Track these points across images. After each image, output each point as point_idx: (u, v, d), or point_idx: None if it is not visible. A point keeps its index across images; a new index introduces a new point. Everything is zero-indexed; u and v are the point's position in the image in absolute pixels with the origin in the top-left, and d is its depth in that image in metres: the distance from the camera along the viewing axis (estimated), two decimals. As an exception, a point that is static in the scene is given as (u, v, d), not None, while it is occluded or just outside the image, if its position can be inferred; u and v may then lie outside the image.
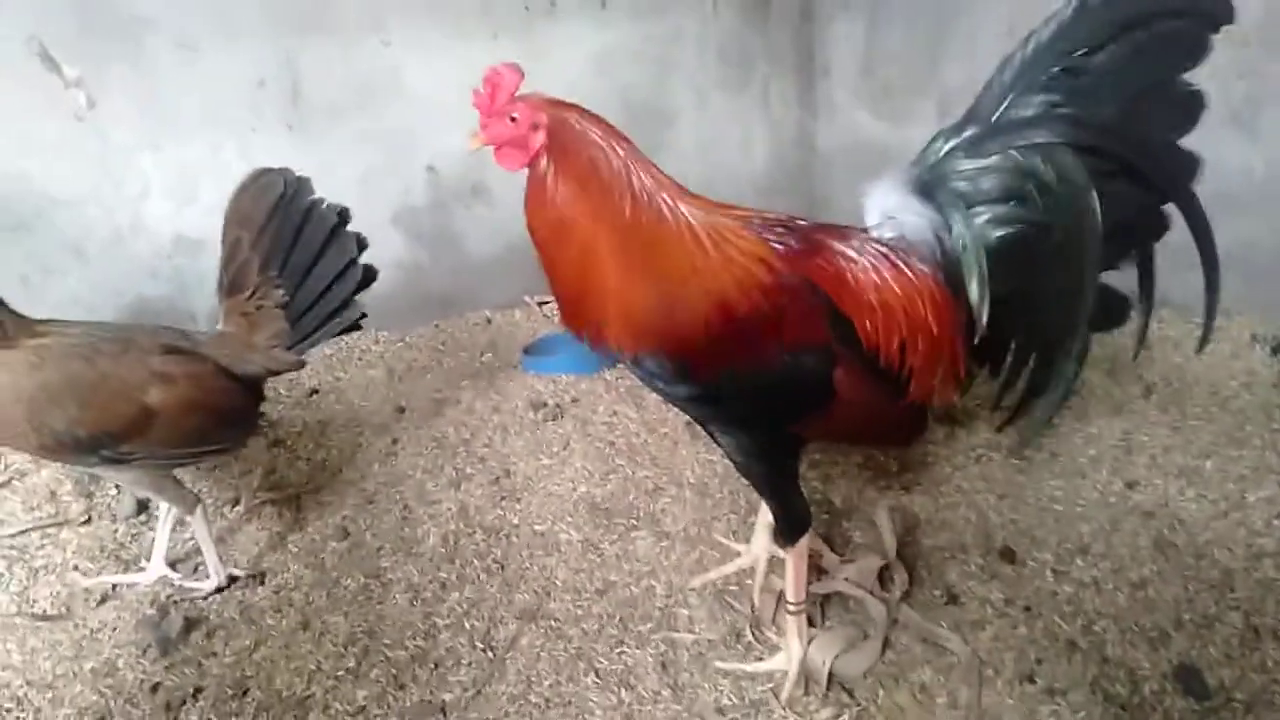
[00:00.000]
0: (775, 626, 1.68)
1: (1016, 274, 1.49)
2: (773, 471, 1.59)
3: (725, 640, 1.66)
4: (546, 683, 1.60)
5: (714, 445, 2.21)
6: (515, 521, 2.07)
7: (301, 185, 1.97)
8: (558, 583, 1.86)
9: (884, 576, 1.72)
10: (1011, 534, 1.85)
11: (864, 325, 1.46)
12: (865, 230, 1.56)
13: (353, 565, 1.97)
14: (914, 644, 1.59)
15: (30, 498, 2.27)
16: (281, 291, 1.95)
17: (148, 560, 2.00)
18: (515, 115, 1.40)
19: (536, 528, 2.04)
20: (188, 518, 1.93)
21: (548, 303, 3.27)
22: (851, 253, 1.50)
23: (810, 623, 1.63)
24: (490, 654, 1.68)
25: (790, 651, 1.60)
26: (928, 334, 1.49)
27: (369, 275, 2.00)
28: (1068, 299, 1.46)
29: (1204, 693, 1.44)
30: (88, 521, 2.18)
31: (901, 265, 1.50)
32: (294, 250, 1.95)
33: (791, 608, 1.61)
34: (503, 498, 2.15)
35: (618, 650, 1.66)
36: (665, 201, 1.42)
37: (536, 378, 2.68)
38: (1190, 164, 1.42)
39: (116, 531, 2.15)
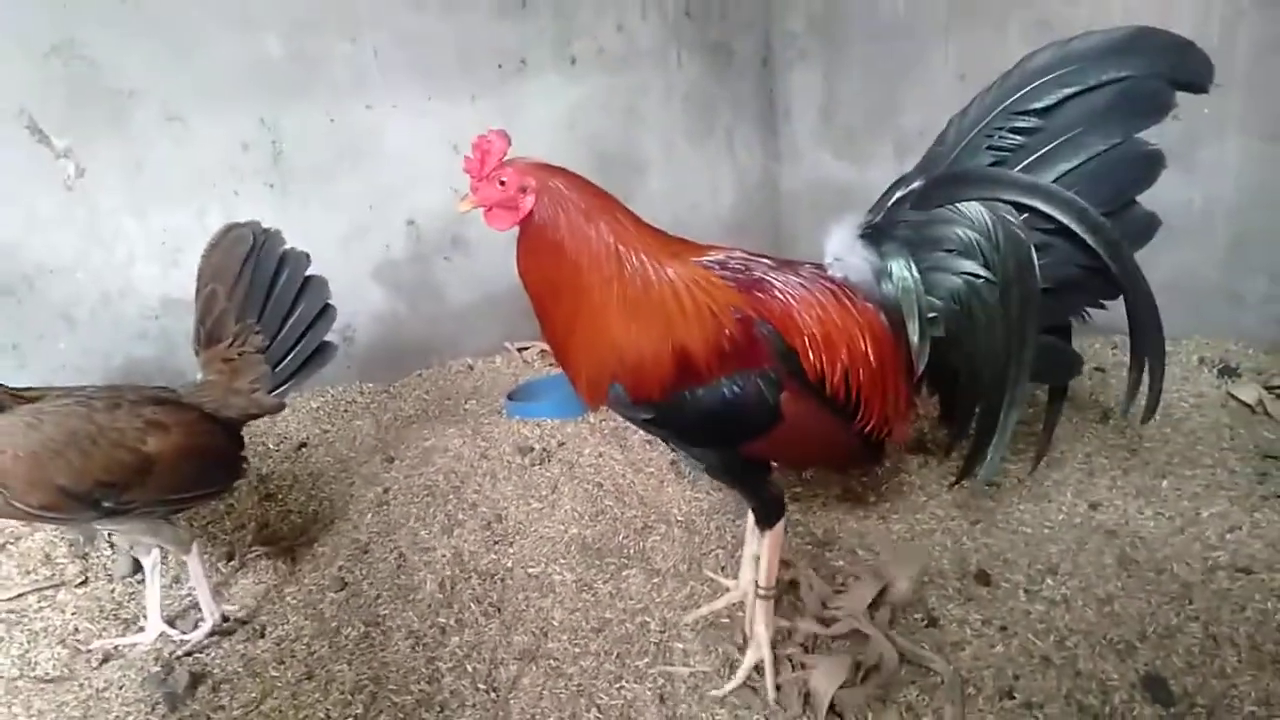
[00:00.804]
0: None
1: (956, 321, 1.61)
2: (741, 475, 1.73)
3: (719, 671, 1.73)
4: (551, 719, 1.66)
5: (699, 483, 2.33)
6: (509, 565, 2.13)
7: (270, 236, 2.09)
8: (555, 622, 1.92)
9: (875, 604, 1.80)
10: (985, 557, 1.95)
11: (806, 355, 1.58)
12: (819, 267, 1.68)
13: (352, 614, 2.01)
14: (892, 663, 1.67)
15: (25, 561, 2.29)
16: (261, 337, 2.06)
17: (145, 619, 2.04)
18: (504, 179, 1.53)
19: (530, 570, 2.10)
20: (184, 557, 1.99)
21: (527, 348, 3.35)
22: (799, 289, 1.62)
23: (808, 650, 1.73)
24: (494, 695, 1.74)
25: (759, 640, 1.72)
26: (868, 366, 1.61)
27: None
28: (1008, 350, 1.57)
29: (1169, 700, 1.53)
30: (84, 583, 2.21)
31: (846, 302, 1.62)
32: (270, 298, 2.08)
33: (762, 593, 1.73)
34: (496, 542, 2.21)
35: (617, 685, 1.72)
36: (645, 260, 1.55)
37: (522, 423, 2.75)
38: (1145, 227, 1.51)
39: (114, 591, 2.18)
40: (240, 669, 1.88)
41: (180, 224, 2.66)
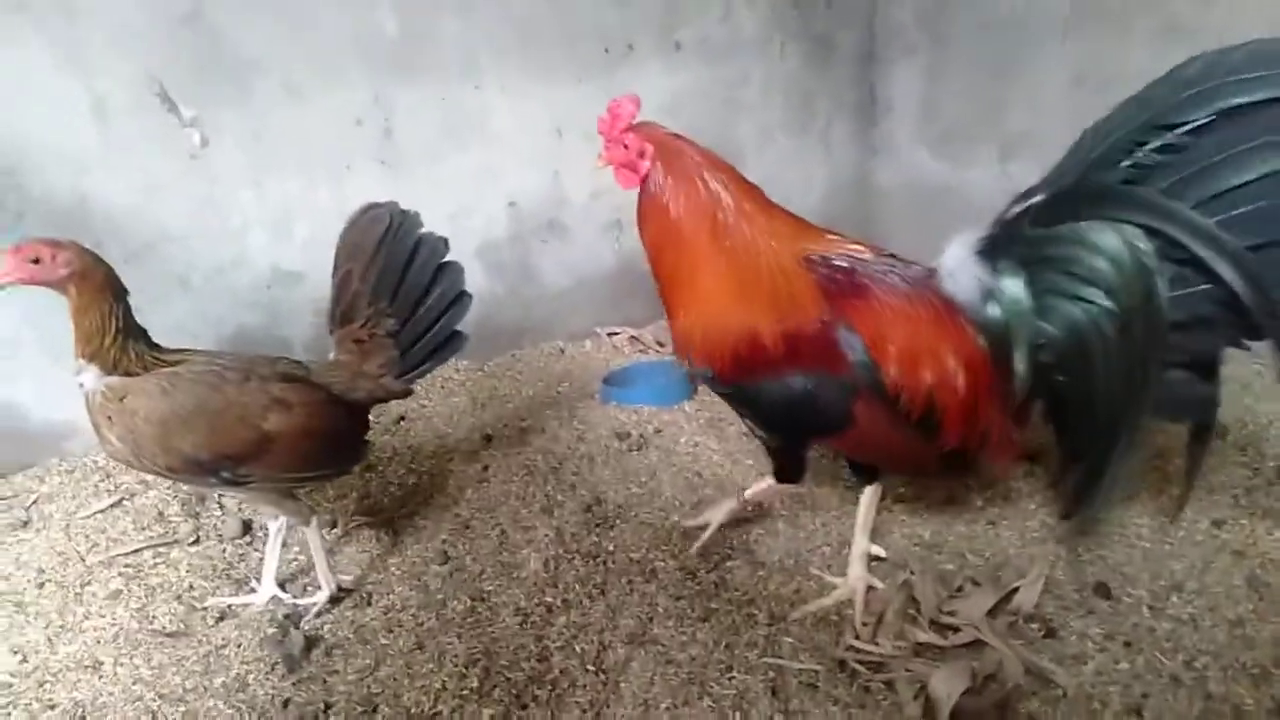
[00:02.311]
0: (877, 645, 1.74)
1: (1070, 351, 1.51)
2: (784, 452, 1.87)
3: (831, 670, 1.72)
4: (663, 705, 1.66)
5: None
6: (610, 548, 2.14)
7: (407, 218, 2.06)
8: (659, 609, 1.92)
9: (994, 611, 1.77)
10: (1102, 570, 1.90)
11: (888, 369, 1.59)
12: (931, 273, 1.65)
13: (457, 588, 2.04)
14: (1017, 674, 1.64)
15: (140, 518, 2.37)
16: (393, 321, 2.05)
17: (257, 580, 2.09)
18: (627, 143, 1.66)
19: (632, 555, 2.11)
20: (303, 528, 2.02)
21: (616, 333, 3.36)
22: (899, 300, 1.61)
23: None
24: (603, 676, 1.74)
25: (717, 513, 2.05)
26: (953, 390, 1.59)
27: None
28: (1126, 388, 1.44)
29: (1309, 730, 1.49)
30: (196, 541, 2.27)
31: (945, 321, 1.58)
32: (403, 281, 2.05)
33: (741, 496, 2.01)
34: (596, 524, 2.22)
35: (728, 675, 1.71)
36: (745, 230, 1.63)
37: (617, 408, 2.76)
38: None
39: (224, 551, 2.24)
40: (351, 635, 1.92)
41: (292, 194, 2.71)
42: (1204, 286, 1.38)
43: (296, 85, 2.63)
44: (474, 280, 3.11)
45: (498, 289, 3.17)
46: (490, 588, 2.04)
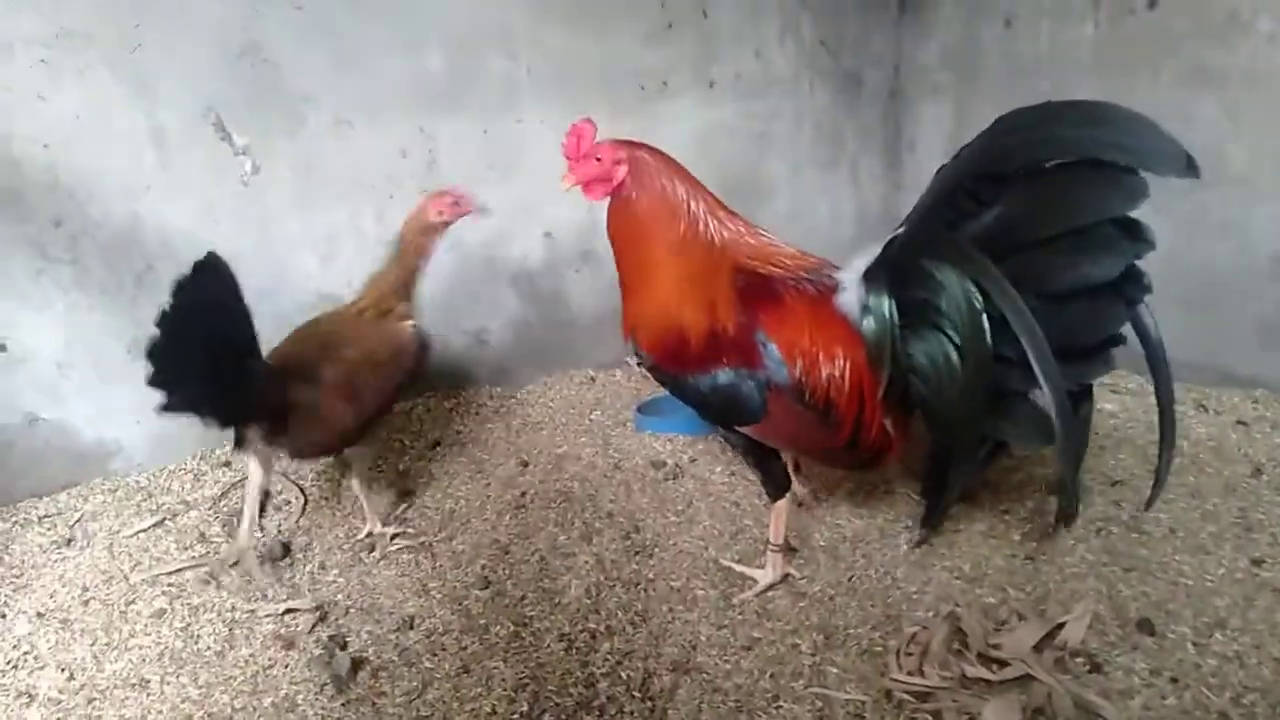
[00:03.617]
0: (923, 676, 1.75)
1: (926, 371, 1.74)
2: (750, 450, 2.00)
3: (877, 701, 1.73)
4: (712, 733, 1.67)
5: (839, 508, 2.34)
6: (651, 576, 2.15)
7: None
8: (702, 637, 1.93)
9: (1040, 646, 1.78)
10: (1144, 606, 1.90)
11: (794, 365, 1.82)
12: (836, 289, 1.85)
13: (499, 613, 2.06)
14: (1067, 709, 1.65)
15: (183, 538, 2.40)
16: None
17: (292, 598, 2.14)
18: (600, 156, 1.86)
19: (673, 583, 2.13)
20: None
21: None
22: (806, 307, 1.84)
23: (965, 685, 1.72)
24: (650, 704, 1.75)
25: (767, 572, 2.05)
26: (842, 390, 1.82)
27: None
28: (963, 410, 1.70)
29: (1360, 768, 1.50)
30: (238, 563, 2.30)
31: (838, 326, 1.82)
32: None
33: (772, 548, 2.05)
34: (636, 552, 2.24)
35: (775, 705, 1.72)
36: (699, 236, 1.84)
37: (652, 437, 2.79)
38: (1111, 316, 1.53)
39: (265, 571, 2.26)
40: (395, 658, 1.93)
41: (338, 222, 2.77)
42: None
43: (347, 117, 2.70)
44: (508, 307, 3.22)
45: (530, 316, 3.22)
46: (532, 613, 2.05)
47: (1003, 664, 1.74)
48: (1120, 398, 2.82)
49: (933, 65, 3.74)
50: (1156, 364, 1.62)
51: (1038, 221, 1.52)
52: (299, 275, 2.78)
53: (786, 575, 2.09)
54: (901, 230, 1.76)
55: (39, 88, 2.31)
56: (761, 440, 1.97)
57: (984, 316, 1.58)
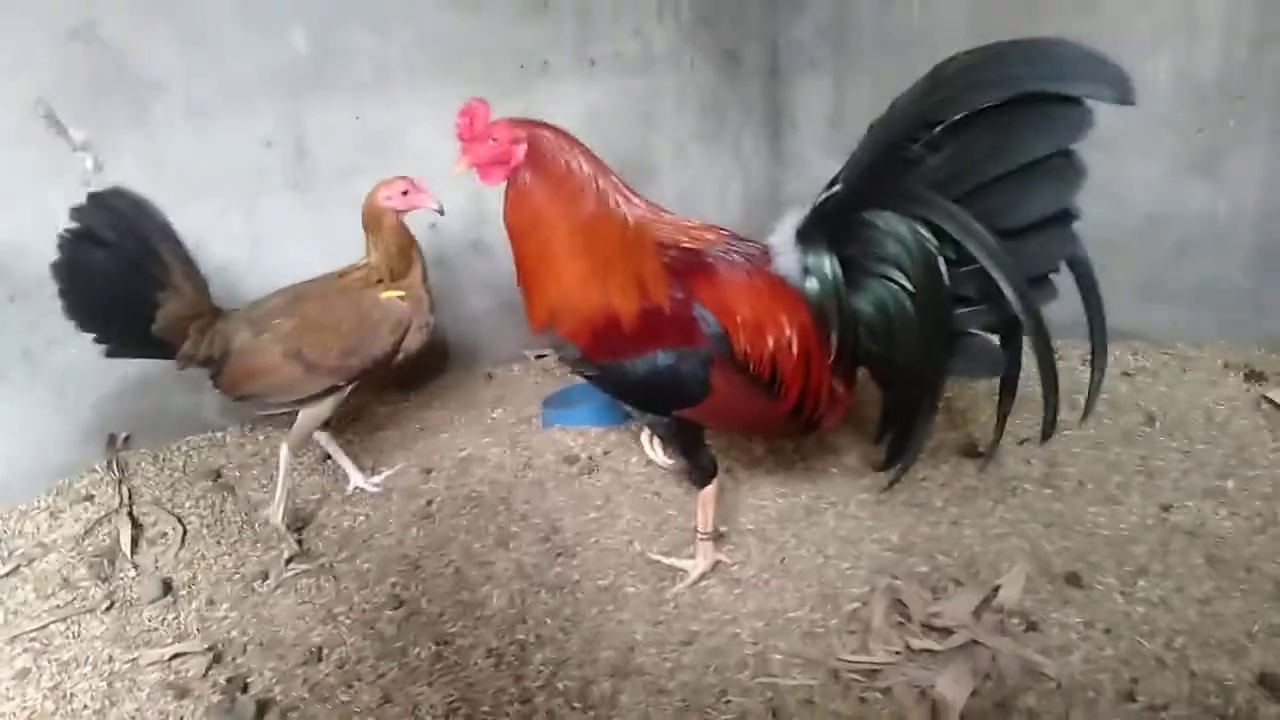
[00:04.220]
0: (868, 654, 1.72)
1: (875, 321, 1.74)
2: (679, 437, 1.93)
3: (825, 684, 1.68)
4: (664, 738, 1.59)
5: (761, 490, 2.29)
6: (576, 578, 2.04)
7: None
8: (638, 637, 1.84)
9: (978, 612, 1.77)
10: (1068, 560, 1.94)
11: (737, 338, 1.76)
12: (766, 253, 1.82)
13: (416, 633, 1.91)
14: (1014, 671, 1.64)
15: (42, 585, 2.12)
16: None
17: (178, 641, 1.93)
18: (495, 137, 1.74)
19: (600, 582, 2.03)
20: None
21: (544, 355, 3.27)
22: (740, 274, 1.79)
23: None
24: (593, 713, 1.65)
25: (697, 563, 1.99)
26: (789, 354, 1.78)
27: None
28: (923, 354, 1.69)
29: (1289, 697, 1.55)
30: (110, 608, 2.05)
31: (779, 293, 1.78)
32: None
33: (701, 536, 1.99)
34: (557, 554, 2.12)
35: (724, 700, 1.65)
36: (608, 215, 1.76)
37: (561, 431, 2.67)
38: (1064, 239, 1.52)
39: (143, 615, 2.03)
40: (306, 694, 1.76)
41: (202, 224, 2.50)
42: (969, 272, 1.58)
43: (201, 105, 2.45)
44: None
45: (420, 314, 3.03)
46: (454, 630, 1.91)
47: (946, 632, 1.73)
48: (1014, 358, 2.88)
49: (809, 41, 3.74)
50: (1089, 285, 1.59)
51: (988, 161, 1.50)
52: (160, 283, 2.50)
53: (717, 563, 2.02)
54: (837, 188, 1.70)
55: None
56: (700, 421, 1.90)
57: (939, 259, 1.58)
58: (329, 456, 2.61)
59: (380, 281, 2.25)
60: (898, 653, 1.71)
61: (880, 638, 1.74)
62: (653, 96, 3.47)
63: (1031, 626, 1.76)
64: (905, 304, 1.67)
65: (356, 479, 2.47)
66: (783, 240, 1.80)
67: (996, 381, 1.77)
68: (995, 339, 1.69)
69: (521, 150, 1.74)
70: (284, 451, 2.29)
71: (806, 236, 1.77)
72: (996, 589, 1.82)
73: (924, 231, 1.58)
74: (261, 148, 2.58)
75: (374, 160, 2.76)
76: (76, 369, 2.43)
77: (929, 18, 3.28)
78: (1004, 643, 1.67)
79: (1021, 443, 2.40)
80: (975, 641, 1.69)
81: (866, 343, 1.79)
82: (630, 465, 2.48)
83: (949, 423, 2.53)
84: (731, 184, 3.84)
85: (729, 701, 1.65)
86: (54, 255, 2.02)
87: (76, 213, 2.03)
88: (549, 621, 1.91)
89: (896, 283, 1.67)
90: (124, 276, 2.07)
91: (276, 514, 2.28)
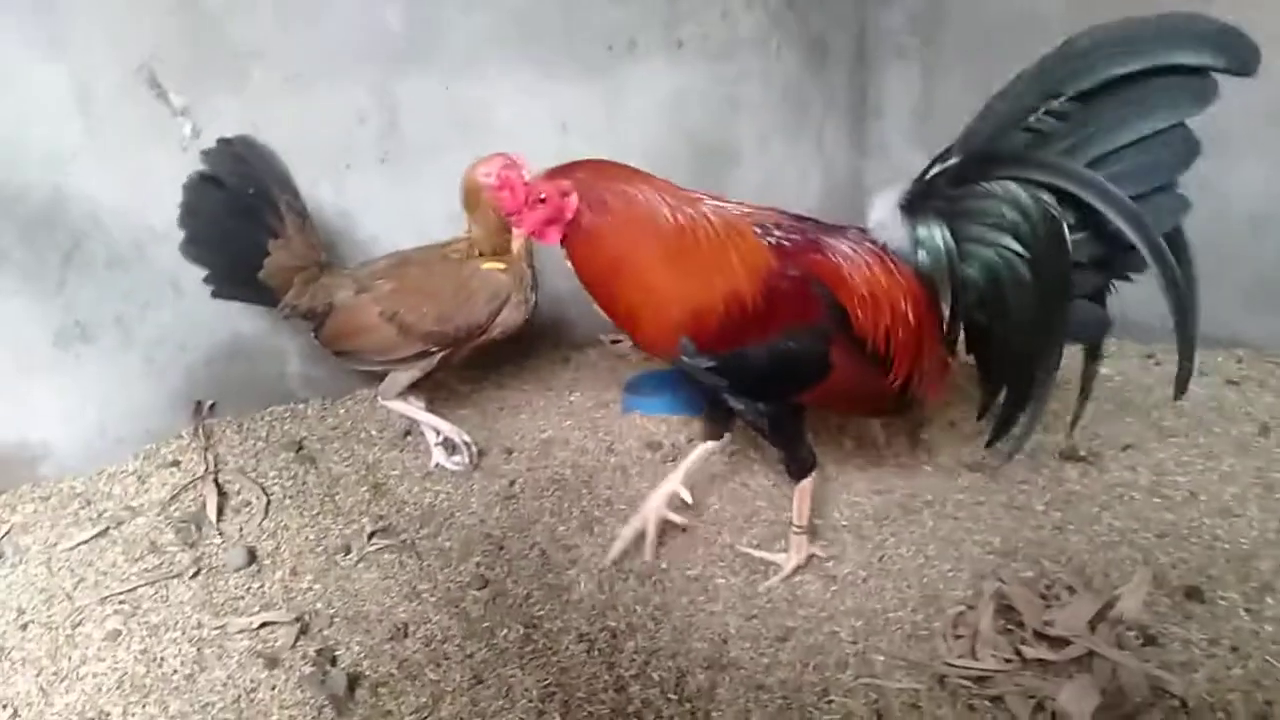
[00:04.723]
0: (976, 660, 1.65)
1: (990, 292, 1.73)
2: (783, 428, 1.87)
3: (931, 689, 1.62)
4: (767, 736, 1.54)
5: (854, 486, 2.22)
6: (664, 566, 2.00)
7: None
8: (731, 630, 1.79)
9: (1094, 623, 1.69)
10: (1186, 573, 1.84)
11: (855, 313, 1.72)
12: (863, 231, 1.82)
13: (503, 615, 1.88)
14: (1141, 687, 1.56)
15: (131, 549, 2.13)
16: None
17: (265, 610, 1.93)
18: (543, 196, 1.64)
19: (689, 572, 1.98)
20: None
21: (620, 340, 3.22)
22: (848, 251, 1.76)
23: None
24: (690, 706, 1.60)
25: (791, 557, 1.93)
26: (907, 326, 1.75)
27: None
28: (1040, 321, 1.67)
29: None
30: (197, 574, 2.05)
31: (889, 265, 1.76)
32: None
33: (796, 530, 1.93)
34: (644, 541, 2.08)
35: (825, 699, 1.60)
36: (691, 214, 1.68)
37: (642, 418, 2.62)
38: (1175, 208, 1.55)
39: (229, 582, 2.03)
40: (395, 671, 1.74)
41: (292, 194, 2.51)
42: (1099, 231, 1.59)
43: (297, 75, 2.43)
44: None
45: (500, 295, 3.00)
46: (541, 613, 1.88)
47: (1061, 642, 1.65)
48: (1113, 361, 2.77)
49: (899, 29, 3.65)
50: (1185, 259, 1.58)
51: (1114, 131, 1.52)
52: (250, 253, 2.50)
53: (811, 557, 1.96)
54: (953, 160, 1.69)
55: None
56: (817, 403, 1.88)
57: (1063, 224, 1.58)
58: (409, 432, 2.61)
59: (482, 255, 2.26)
60: (1008, 660, 1.63)
61: (989, 644, 1.67)
62: (738, 81, 3.40)
63: (1150, 640, 1.67)
64: (1021, 271, 1.67)
65: (438, 456, 2.47)
66: (885, 215, 1.79)
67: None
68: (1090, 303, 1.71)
69: (574, 200, 1.64)
70: (392, 404, 2.41)
71: (915, 209, 1.75)
72: (1114, 599, 1.73)
73: (1047, 198, 1.58)
74: (354, 120, 2.57)
75: (462, 137, 2.75)
76: (167, 336, 2.44)
77: (1027, 6, 3.16)
78: (1125, 656, 1.59)
79: (1126, 449, 2.30)
80: (1093, 653, 1.61)
81: (975, 314, 1.77)
82: (715, 456, 2.42)
83: (1046, 425, 2.42)
84: (812, 172, 3.77)
85: (831, 701, 1.59)
86: (178, 197, 2.16)
87: (205, 155, 2.18)
88: (639, 609, 1.86)
89: (1012, 250, 1.66)
90: (239, 220, 2.18)
91: (437, 453, 2.44)
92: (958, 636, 1.72)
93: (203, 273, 2.23)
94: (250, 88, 2.38)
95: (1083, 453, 2.29)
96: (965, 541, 1.99)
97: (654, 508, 2.02)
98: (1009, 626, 1.72)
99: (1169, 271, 1.50)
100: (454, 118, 2.73)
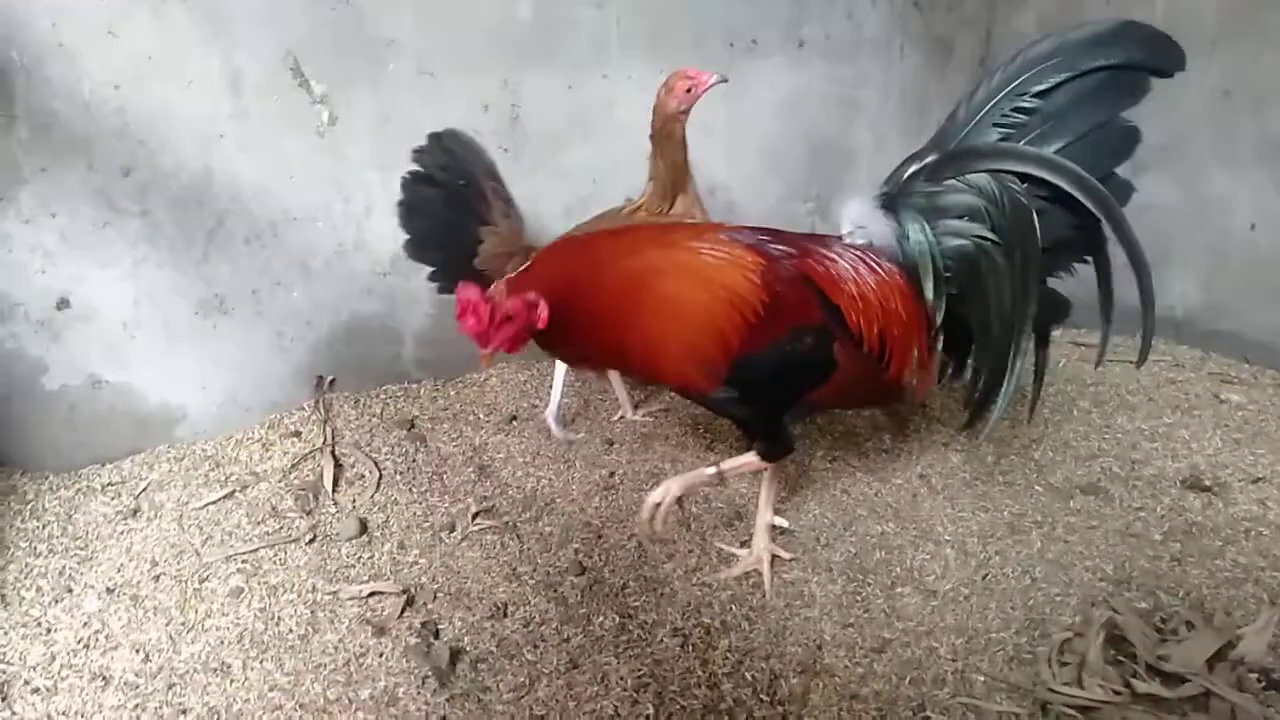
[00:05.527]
0: (1083, 689, 1.59)
1: (967, 279, 1.81)
2: (770, 422, 1.90)
3: (1033, 714, 1.57)
4: (860, 747, 1.53)
5: (959, 500, 2.17)
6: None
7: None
8: (826, 636, 1.79)
9: (1212, 662, 1.62)
10: (1315, 615, 1.75)
11: (849, 313, 1.77)
12: (840, 238, 1.88)
13: (599, 603, 1.91)
14: (1259, 734, 1.49)
15: (254, 512, 2.26)
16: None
17: (374, 580, 2.01)
18: (509, 315, 1.63)
19: (785, 576, 1.97)
20: None
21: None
22: (833, 255, 1.82)
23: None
24: (781, 710, 1.61)
25: (754, 549, 1.99)
26: (900, 321, 1.81)
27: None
28: (1013, 304, 1.76)
29: None
30: (313, 540, 2.16)
31: (874, 265, 1.82)
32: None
33: (763, 516, 2.00)
34: (742, 542, 2.08)
35: (922, 715, 1.58)
36: (671, 249, 1.75)
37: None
38: (1123, 191, 1.70)
39: (342, 550, 2.12)
40: (494, 649, 1.79)
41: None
42: (1064, 216, 1.71)
43: (429, 67, 2.52)
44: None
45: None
46: (637, 604, 1.90)
47: (1176, 678, 1.58)
48: (1245, 389, 2.63)
49: (1028, 32, 3.52)
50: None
51: (1074, 122, 1.68)
52: (375, 239, 2.62)
53: (775, 557, 2.00)
54: (931, 157, 1.80)
55: (109, 21, 2.14)
56: (825, 402, 1.94)
57: (1032, 210, 1.69)
58: (515, 417, 2.68)
59: (661, 214, 2.29)
60: (1117, 692, 1.57)
61: (1097, 673, 1.61)
62: (858, 83, 3.36)
63: (1274, 686, 1.59)
64: (996, 258, 1.76)
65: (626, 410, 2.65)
66: (864, 214, 1.85)
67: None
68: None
69: (542, 305, 1.66)
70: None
71: (894, 206, 1.82)
72: (1236, 638, 1.65)
73: (1016, 187, 1.70)
74: (479, 111, 2.65)
75: (581, 132, 2.80)
76: (296, 313, 2.57)
77: (1171, 14, 3.01)
78: (1246, 699, 1.51)
79: (1256, 481, 2.18)
80: (1210, 694, 1.54)
81: (955, 304, 1.84)
82: (814, 460, 2.41)
83: (1170, 452, 2.33)
84: (929, 178, 3.68)
85: (927, 718, 1.57)
86: (398, 195, 2.26)
87: (416, 154, 2.23)
88: (733, 609, 1.87)
89: (988, 239, 1.75)
90: (454, 213, 2.24)
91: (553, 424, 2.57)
92: (1063, 663, 1.66)
93: (328, 253, 2.32)
94: (385, 77, 2.48)
95: (1207, 483, 2.18)
96: (1075, 566, 1.93)
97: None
98: (1119, 658, 1.66)
99: (1135, 249, 1.64)
100: (575, 112, 2.78)
